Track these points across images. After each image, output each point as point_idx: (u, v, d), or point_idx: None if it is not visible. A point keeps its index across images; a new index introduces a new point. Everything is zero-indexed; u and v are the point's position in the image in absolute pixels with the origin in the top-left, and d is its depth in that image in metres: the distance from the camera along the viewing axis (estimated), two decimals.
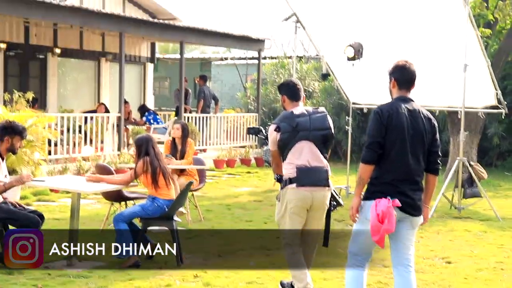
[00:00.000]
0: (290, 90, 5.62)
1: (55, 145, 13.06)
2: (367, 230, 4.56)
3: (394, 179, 4.57)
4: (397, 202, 4.50)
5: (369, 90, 12.49)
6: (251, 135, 18.09)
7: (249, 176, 14.74)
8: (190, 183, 7.29)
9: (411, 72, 4.75)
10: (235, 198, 11.72)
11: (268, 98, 19.88)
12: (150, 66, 20.05)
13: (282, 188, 5.48)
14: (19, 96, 11.57)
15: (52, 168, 12.06)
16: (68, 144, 13.37)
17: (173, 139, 9.35)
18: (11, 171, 10.26)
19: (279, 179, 5.57)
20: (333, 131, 5.53)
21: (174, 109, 18.10)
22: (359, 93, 12.90)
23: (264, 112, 19.55)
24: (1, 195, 6.72)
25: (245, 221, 9.39)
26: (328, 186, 5.44)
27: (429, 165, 4.72)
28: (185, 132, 9.32)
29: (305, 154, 5.35)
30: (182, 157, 9.24)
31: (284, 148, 5.41)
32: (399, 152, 4.58)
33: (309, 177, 5.35)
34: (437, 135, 4.76)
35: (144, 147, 6.96)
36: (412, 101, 4.74)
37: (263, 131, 6.28)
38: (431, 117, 4.76)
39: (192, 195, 9.35)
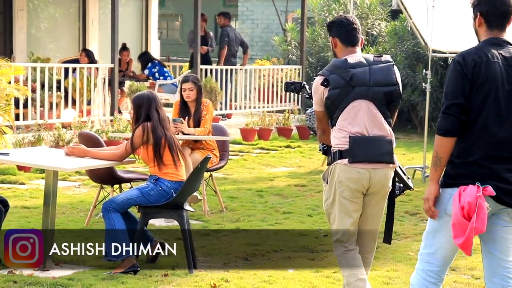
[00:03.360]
0: (343, 31, 5.60)
1: (25, 106, 13.17)
2: (447, 229, 4.49)
3: (484, 156, 4.48)
4: (490, 189, 4.39)
5: (455, 33, 12.38)
6: (290, 93, 18.25)
7: (288, 152, 14.76)
8: (207, 159, 7.30)
9: (507, 2, 4.56)
10: (269, 181, 11.76)
11: (316, 45, 19.78)
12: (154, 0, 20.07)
13: (329, 163, 5.52)
14: None
15: (21, 138, 12.19)
16: (42, 105, 13.48)
17: (183, 99, 9.38)
18: None
19: (326, 150, 5.62)
20: (401, 87, 5.50)
21: (188, 59, 18.13)
22: (442, 37, 12.78)
23: (310, 64, 19.47)
24: None
25: (282, 213, 9.43)
26: (393, 162, 5.45)
27: None
28: (200, 90, 9.33)
29: (361, 117, 5.36)
30: (197, 125, 9.28)
31: (333, 109, 5.43)
32: (491, 118, 4.48)
33: (367, 150, 5.37)
34: None
35: (144, 109, 6.99)
36: (510, 44, 4.60)
37: (307, 87, 6.30)
38: None
39: (211, 176, 9.40)
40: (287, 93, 18.19)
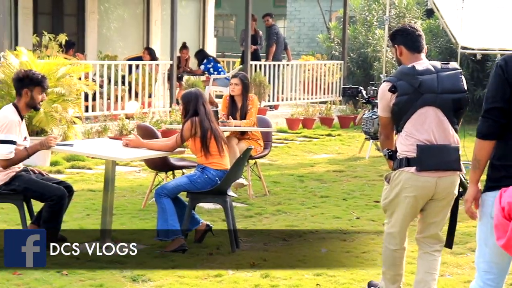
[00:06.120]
0: (409, 38, 5.27)
1: (93, 99, 13.31)
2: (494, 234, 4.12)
3: None
4: None
5: (484, 31, 12.20)
6: (332, 86, 18.16)
7: (329, 140, 14.69)
8: (249, 150, 7.32)
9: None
10: (310, 167, 11.73)
11: (357, 42, 19.65)
12: (211, 1, 20.07)
13: (395, 168, 5.20)
14: (50, 38, 11.76)
15: (89, 128, 12.30)
16: (109, 98, 13.61)
17: (231, 95, 9.40)
18: (39, 132, 10.55)
19: (391, 155, 5.28)
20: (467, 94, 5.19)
21: (240, 54, 18.15)
22: (471, 34, 12.61)
23: (351, 59, 19.35)
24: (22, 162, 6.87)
25: (320, 197, 9.40)
26: (460, 169, 5.15)
27: None
28: (246, 87, 9.34)
29: (429, 124, 5.07)
30: (243, 117, 9.29)
31: (400, 115, 5.12)
32: None
33: (435, 158, 5.07)
34: None
35: (192, 105, 7.01)
36: None
37: (364, 92, 6.06)
38: None
39: (255, 163, 9.41)
40: (330, 86, 18.14)
